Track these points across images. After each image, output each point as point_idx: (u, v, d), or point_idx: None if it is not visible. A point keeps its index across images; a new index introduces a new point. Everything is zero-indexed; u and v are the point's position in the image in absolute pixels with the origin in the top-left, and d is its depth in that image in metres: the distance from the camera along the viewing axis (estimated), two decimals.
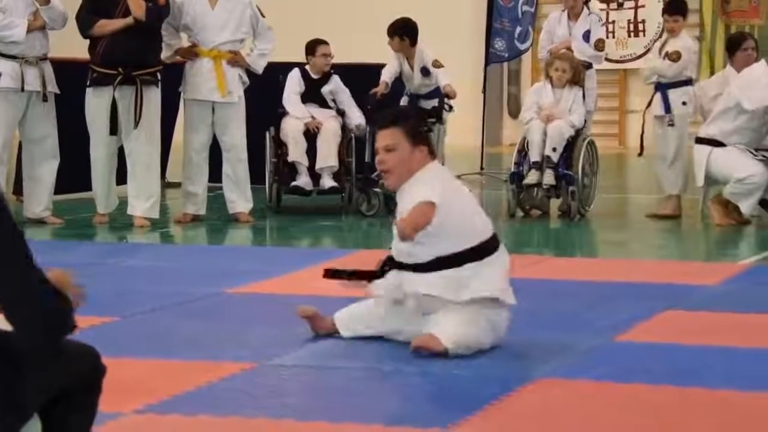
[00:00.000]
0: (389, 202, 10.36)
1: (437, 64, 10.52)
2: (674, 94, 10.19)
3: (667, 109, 10.20)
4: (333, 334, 5.48)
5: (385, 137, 5.30)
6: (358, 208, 10.24)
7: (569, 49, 10.32)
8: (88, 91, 9.50)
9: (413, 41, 10.53)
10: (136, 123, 9.39)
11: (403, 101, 10.65)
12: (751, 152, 9.66)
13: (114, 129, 9.44)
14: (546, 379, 4.83)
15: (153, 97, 9.50)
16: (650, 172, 11.22)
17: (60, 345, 3.05)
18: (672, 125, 10.21)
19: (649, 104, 10.46)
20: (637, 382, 4.79)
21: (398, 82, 10.74)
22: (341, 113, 10.45)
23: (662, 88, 10.24)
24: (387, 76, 10.53)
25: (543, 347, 5.33)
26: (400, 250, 5.26)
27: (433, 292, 5.20)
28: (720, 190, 9.90)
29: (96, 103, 9.47)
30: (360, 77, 10.85)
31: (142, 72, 9.39)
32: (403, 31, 10.52)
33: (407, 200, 5.24)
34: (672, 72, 10.21)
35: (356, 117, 10.39)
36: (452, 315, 5.17)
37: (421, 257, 5.22)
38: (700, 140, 9.89)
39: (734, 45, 10.42)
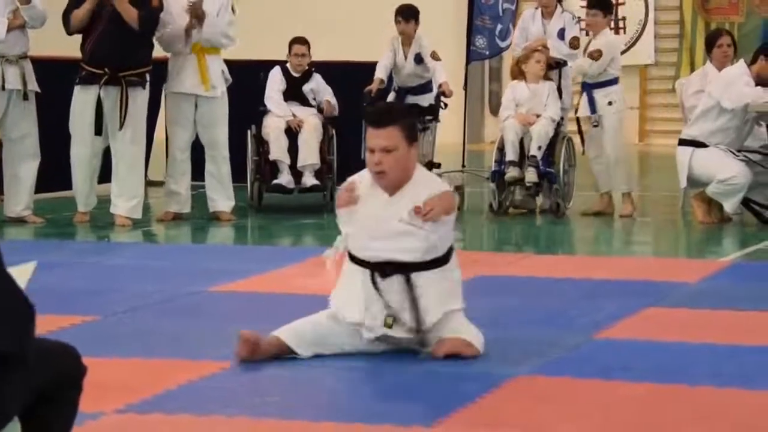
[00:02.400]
0: None
1: (435, 56, 10.51)
2: (599, 94, 10.15)
3: (593, 109, 10.19)
4: (280, 355, 5.10)
5: (384, 137, 5.05)
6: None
7: (545, 46, 10.34)
8: (76, 89, 9.47)
9: (417, 24, 10.57)
10: (121, 124, 9.37)
11: (391, 97, 10.62)
12: (733, 153, 9.68)
13: (99, 129, 9.41)
14: (528, 377, 4.84)
15: (139, 98, 9.47)
16: (632, 169, 11.28)
17: (38, 346, 3.04)
18: (596, 125, 10.19)
19: (578, 105, 10.41)
20: (619, 379, 4.80)
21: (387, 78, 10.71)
22: (321, 110, 10.44)
23: (587, 88, 10.22)
24: (381, 72, 10.46)
25: (525, 344, 5.33)
26: (391, 247, 5.06)
27: (443, 310, 5.09)
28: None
29: (82, 101, 9.44)
30: (342, 75, 10.84)
31: (129, 73, 9.36)
32: (415, 15, 10.53)
33: (421, 195, 5.05)
34: (593, 70, 10.12)
35: (330, 98, 10.36)
36: (459, 317, 5.14)
37: (416, 253, 5.05)
38: (682, 141, 9.91)
39: (711, 42, 10.48)
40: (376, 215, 5.11)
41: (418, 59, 10.51)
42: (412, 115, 5.36)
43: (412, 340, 5.11)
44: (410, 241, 5.07)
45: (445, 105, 10.54)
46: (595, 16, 10.22)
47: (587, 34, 10.78)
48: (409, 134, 5.11)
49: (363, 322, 5.08)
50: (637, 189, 10.48)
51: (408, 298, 5.05)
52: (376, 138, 5.08)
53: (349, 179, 5.26)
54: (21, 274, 3.05)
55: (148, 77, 9.50)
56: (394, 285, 5.07)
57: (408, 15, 10.53)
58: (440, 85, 10.37)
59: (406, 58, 10.55)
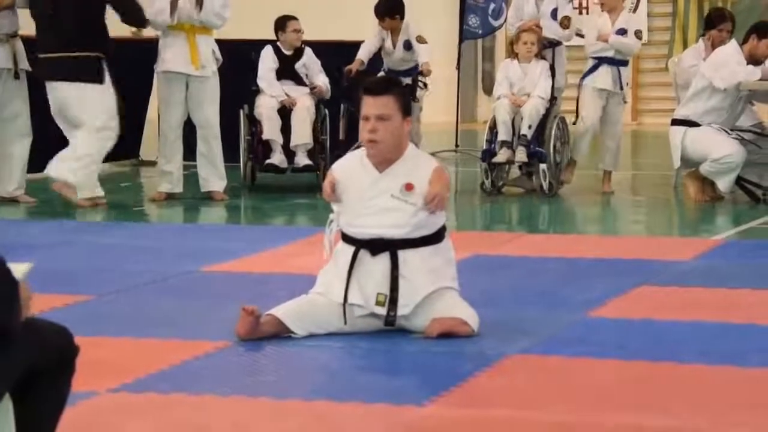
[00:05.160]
0: None
1: (421, 40, 10.51)
2: (624, 73, 10.33)
3: (621, 86, 10.29)
4: (278, 334, 5.07)
5: (379, 105, 5.05)
6: None
7: (538, 26, 10.33)
8: None
9: (403, 16, 10.58)
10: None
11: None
12: (726, 132, 9.68)
13: None
14: (521, 356, 4.84)
15: None
16: (624, 149, 11.30)
17: (30, 326, 3.04)
18: (626, 102, 10.36)
19: (586, 75, 10.38)
20: (612, 357, 4.81)
21: (376, 58, 10.71)
22: (314, 88, 10.42)
23: (615, 64, 10.28)
24: (363, 54, 10.51)
25: (518, 324, 5.34)
26: (380, 223, 5.07)
27: (434, 287, 5.10)
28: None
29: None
30: (331, 55, 10.82)
31: None
32: (395, 10, 10.56)
33: (415, 174, 5.08)
34: (636, 50, 10.45)
35: (320, 80, 10.36)
36: (453, 296, 5.16)
37: (405, 228, 5.06)
38: (674, 122, 9.91)
39: (712, 22, 10.51)
40: (366, 192, 5.13)
41: (407, 45, 10.55)
42: (405, 87, 5.37)
43: (399, 318, 5.11)
44: (399, 216, 5.09)
45: (425, 84, 10.53)
46: None
47: (581, 13, 10.78)
48: (404, 106, 5.11)
49: (350, 302, 5.08)
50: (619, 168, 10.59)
51: (390, 276, 5.05)
52: (371, 106, 5.08)
53: (332, 170, 5.26)
54: (15, 272, 3.04)
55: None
56: (381, 263, 5.08)
57: (385, 14, 10.53)
58: (421, 65, 10.40)
59: (394, 45, 10.59)
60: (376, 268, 5.08)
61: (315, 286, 5.22)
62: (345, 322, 5.10)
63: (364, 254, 5.10)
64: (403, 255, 5.08)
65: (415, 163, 5.16)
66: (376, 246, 5.09)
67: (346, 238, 5.17)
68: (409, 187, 5.09)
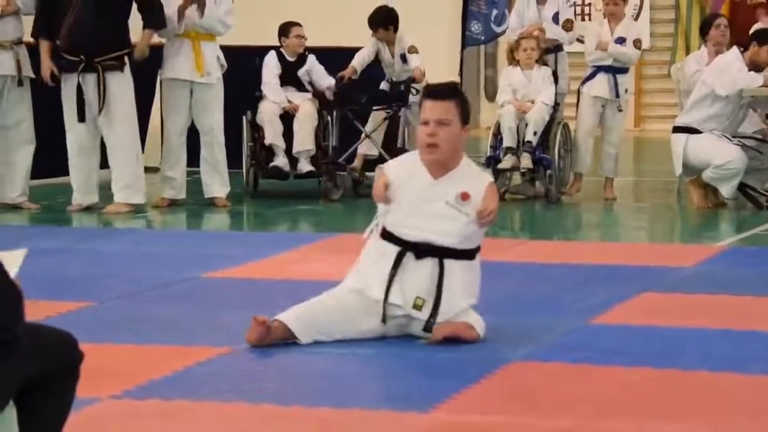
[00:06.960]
0: (357, 186, 10.37)
1: (412, 50, 10.55)
2: (621, 80, 10.33)
3: (617, 93, 10.28)
4: (286, 340, 5.06)
5: (440, 110, 5.05)
6: (327, 195, 10.17)
7: (541, 30, 10.35)
8: (62, 77, 9.40)
9: (396, 28, 10.60)
10: (100, 110, 9.30)
11: (384, 86, 10.67)
12: (727, 138, 9.68)
13: (81, 116, 9.34)
14: (524, 362, 4.84)
15: (118, 82, 9.33)
16: (627, 155, 11.32)
17: (35, 332, 3.04)
18: (621, 111, 10.34)
19: (584, 82, 10.43)
20: (614, 364, 4.81)
21: (374, 67, 10.72)
22: (317, 92, 10.42)
23: (611, 71, 10.29)
24: (357, 61, 10.56)
25: (521, 330, 5.34)
26: (430, 227, 5.04)
27: (467, 302, 5.11)
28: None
29: (66, 88, 9.38)
30: (334, 61, 10.82)
31: (105, 58, 9.26)
32: (389, 21, 10.60)
33: (471, 186, 5.08)
34: (636, 59, 10.45)
35: (327, 83, 10.38)
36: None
37: (454, 238, 5.05)
38: (676, 129, 9.92)
39: (707, 25, 10.57)
40: (419, 195, 5.10)
41: (404, 58, 10.60)
42: (464, 95, 5.32)
43: (414, 322, 5.11)
44: (451, 225, 5.07)
45: (417, 91, 10.54)
46: (617, 4, 10.36)
47: (583, 19, 10.81)
48: (463, 113, 5.12)
49: (390, 301, 5.05)
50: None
51: (435, 283, 5.05)
52: (432, 110, 5.08)
53: (384, 171, 5.20)
54: (11, 259, 3.02)
55: (126, 60, 9.38)
56: (425, 267, 5.07)
57: (378, 25, 10.57)
58: (413, 70, 10.43)
59: (393, 56, 10.63)
60: (420, 272, 5.07)
61: (348, 281, 5.17)
62: (384, 320, 5.07)
63: (409, 256, 5.08)
64: (449, 264, 5.08)
65: (471, 175, 5.17)
66: (422, 250, 5.07)
67: (392, 238, 5.13)
68: (465, 196, 5.07)
